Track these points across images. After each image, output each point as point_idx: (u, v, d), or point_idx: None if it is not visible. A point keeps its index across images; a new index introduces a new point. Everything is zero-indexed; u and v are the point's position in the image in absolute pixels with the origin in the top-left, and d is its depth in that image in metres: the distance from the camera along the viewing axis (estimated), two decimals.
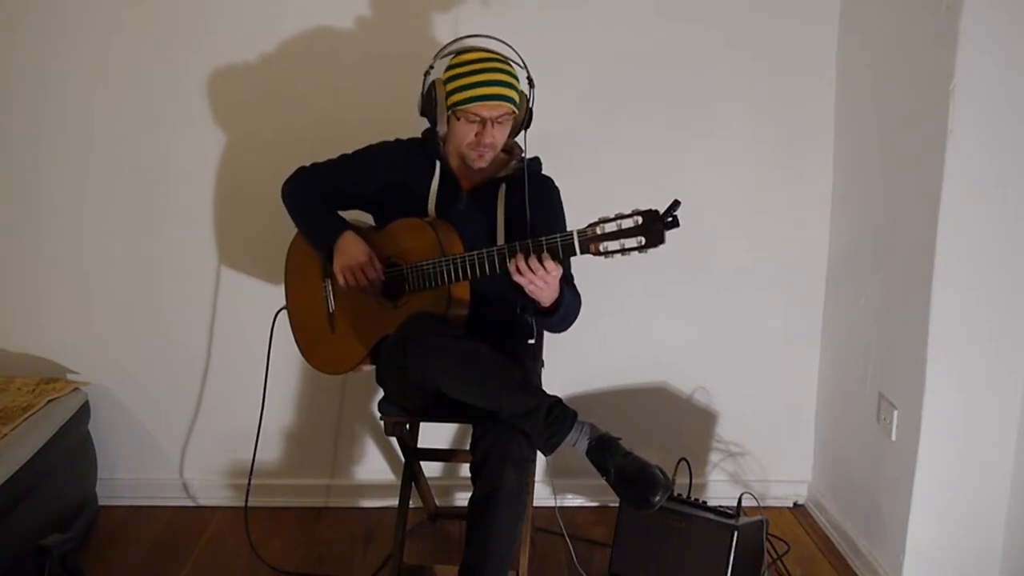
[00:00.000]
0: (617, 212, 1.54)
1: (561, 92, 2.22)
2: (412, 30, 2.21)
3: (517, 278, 1.62)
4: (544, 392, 1.71)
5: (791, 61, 2.27)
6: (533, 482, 1.94)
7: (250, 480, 2.17)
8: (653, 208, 1.52)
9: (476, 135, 1.77)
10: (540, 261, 1.60)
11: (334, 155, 1.96)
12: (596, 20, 2.23)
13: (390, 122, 2.01)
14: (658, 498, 1.57)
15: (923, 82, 1.84)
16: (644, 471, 1.59)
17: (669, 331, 2.40)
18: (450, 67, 1.78)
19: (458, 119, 1.77)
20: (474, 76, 1.74)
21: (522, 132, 1.87)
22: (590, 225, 1.56)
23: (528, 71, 1.82)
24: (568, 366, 2.34)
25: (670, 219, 1.52)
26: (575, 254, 1.59)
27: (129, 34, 2.20)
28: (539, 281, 1.61)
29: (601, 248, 1.55)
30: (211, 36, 2.21)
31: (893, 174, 2.00)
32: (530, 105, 1.84)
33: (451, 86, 1.76)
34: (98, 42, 2.20)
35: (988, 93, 1.72)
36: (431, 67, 1.81)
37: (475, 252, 1.69)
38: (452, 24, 2.19)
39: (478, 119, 1.76)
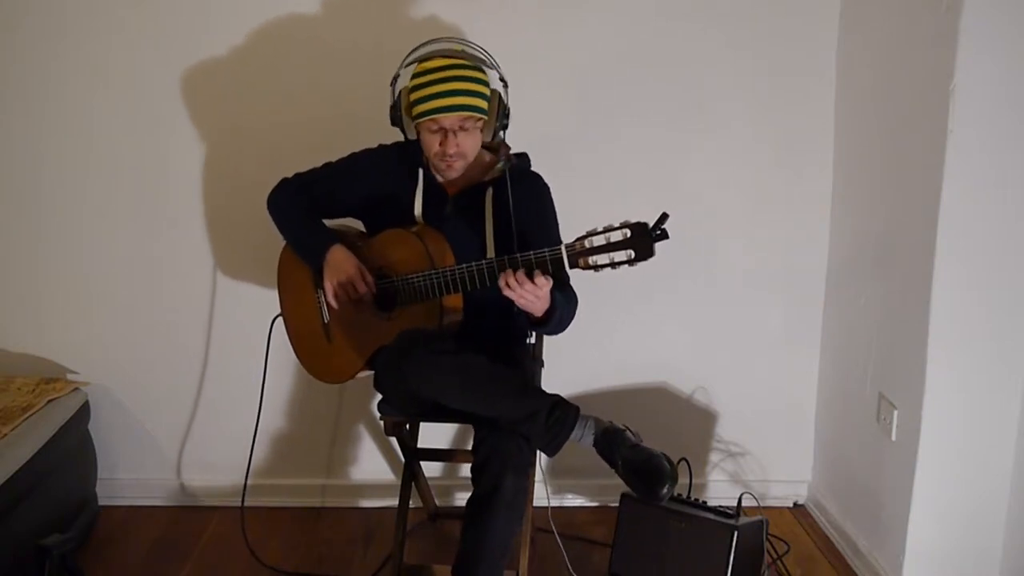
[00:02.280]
0: (606, 225, 1.52)
1: (561, 92, 2.22)
2: (414, 31, 2.20)
3: (508, 294, 1.60)
4: (544, 394, 1.71)
5: (791, 61, 2.27)
6: (533, 480, 1.94)
7: (246, 481, 2.17)
8: (642, 221, 1.50)
9: (440, 144, 1.75)
10: (529, 276, 1.57)
11: (333, 157, 1.96)
12: (596, 20, 2.23)
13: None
14: (665, 490, 1.59)
15: (923, 82, 1.84)
16: (650, 462, 1.60)
17: (669, 331, 2.40)
18: (414, 76, 1.76)
19: (422, 128, 1.76)
20: (432, 87, 1.71)
21: (502, 132, 1.84)
22: (578, 239, 1.54)
23: (499, 71, 1.80)
24: (568, 366, 2.34)
25: (659, 232, 1.49)
26: (564, 269, 1.56)
27: (129, 34, 2.20)
28: (528, 296, 1.59)
29: (590, 262, 1.53)
30: (211, 37, 2.21)
31: (893, 174, 2.00)
32: (506, 103, 1.81)
33: (413, 96, 1.74)
34: (98, 42, 2.20)
35: (988, 93, 1.72)
36: (397, 76, 1.80)
37: (463, 266, 1.67)
38: (452, 23, 2.19)
39: (439, 129, 1.74)
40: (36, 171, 2.27)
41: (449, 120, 1.72)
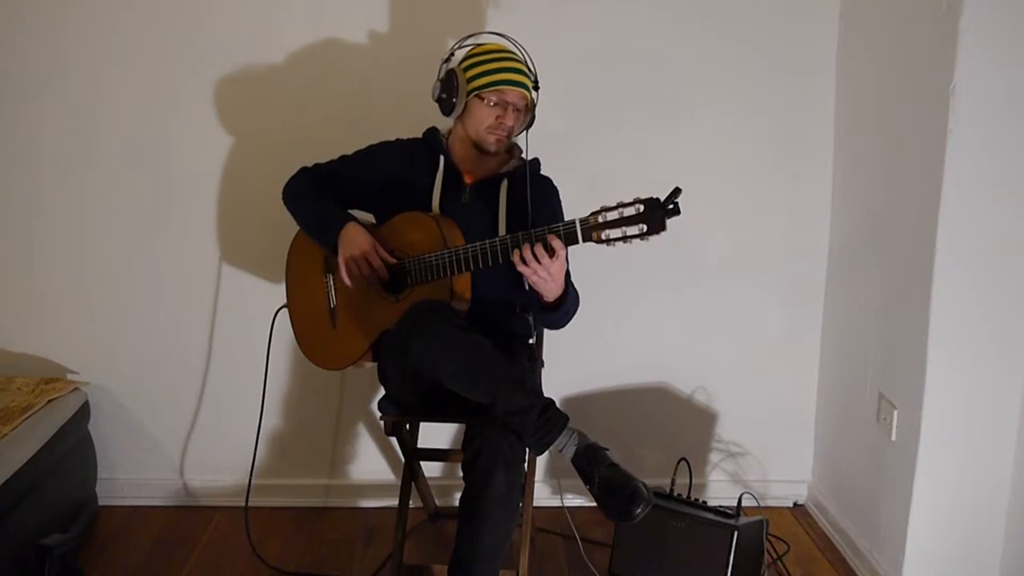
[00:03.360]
0: (618, 200, 1.57)
1: (561, 92, 2.22)
2: (413, 31, 2.21)
3: (523, 269, 1.63)
4: (539, 393, 1.72)
5: (791, 61, 2.27)
6: (533, 480, 1.94)
7: (251, 480, 2.17)
8: (654, 196, 1.55)
9: (497, 118, 1.81)
10: (546, 248, 1.61)
11: (335, 155, 1.97)
12: (596, 20, 2.23)
13: (391, 123, 2.02)
14: (639, 511, 1.57)
15: (923, 82, 1.84)
16: (627, 484, 1.59)
17: (669, 331, 2.40)
18: (471, 55, 1.83)
19: (481, 99, 1.81)
20: (498, 62, 1.80)
21: (524, 132, 1.90)
22: (592, 213, 1.59)
23: (536, 74, 1.85)
24: (568, 366, 2.35)
25: (671, 206, 1.54)
26: (577, 242, 1.61)
27: (129, 34, 2.20)
28: (543, 272, 1.63)
29: (603, 236, 1.57)
30: (212, 36, 2.21)
31: (893, 174, 2.00)
32: (535, 104, 1.87)
33: (474, 71, 1.80)
34: (98, 41, 2.20)
35: (988, 93, 1.72)
36: (451, 55, 1.85)
37: (478, 243, 1.70)
38: (454, 25, 2.19)
39: (500, 102, 1.81)
40: (36, 171, 2.27)
41: (512, 95, 1.81)
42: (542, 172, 1.99)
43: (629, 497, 1.57)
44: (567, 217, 1.94)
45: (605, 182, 2.28)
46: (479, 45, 1.85)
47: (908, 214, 1.92)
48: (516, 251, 1.64)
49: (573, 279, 1.89)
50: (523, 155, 1.94)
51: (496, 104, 1.81)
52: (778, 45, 2.26)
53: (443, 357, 1.65)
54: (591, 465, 1.63)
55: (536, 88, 1.86)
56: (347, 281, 1.83)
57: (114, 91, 2.23)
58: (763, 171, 2.32)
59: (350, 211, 1.96)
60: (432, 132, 1.94)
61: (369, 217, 2.00)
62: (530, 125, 1.90)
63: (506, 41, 1.86)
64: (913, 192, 1.89)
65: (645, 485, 1.60)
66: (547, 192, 1.97)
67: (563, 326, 1.86)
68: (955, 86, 1.72)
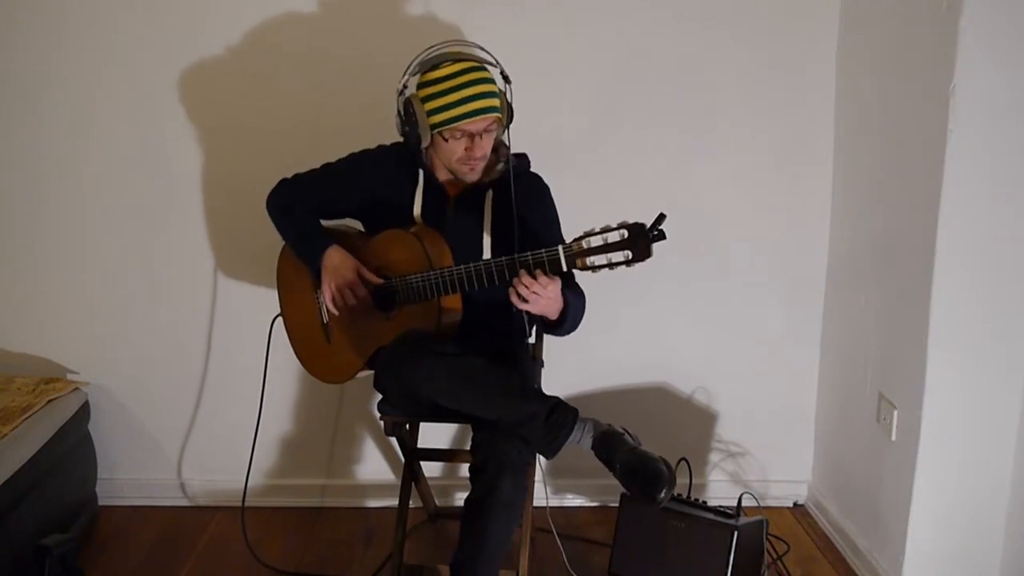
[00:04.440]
0: (604, 225, 1.52)
1: (562, 92, 2.23)
2: (414, 32, 2.20)
3: (520, 305, 1.60)
4: (543, 395, 1.70)
5: (791, 61, 2.27)
6: (533, 481, 1.94)
7: (247, 481, 2.17)
8: (639, 221, 1.50)
9: (466, 150, 1.74)
10: (533, 278, 1.57)
11: (333, 158, 1.96)
12: (595, 20, 2.23)
13: (391, 124, 2.01)
14: (662, 494, 1.57)
15: (923, 82, 1.84)
16: (648, 466, 1.58)
17: (669, 331, 2.40)
18: (425, 84, 1.72)
19: (445, 139, 1.73)
20: (453, 93, 1.68)
21: (506, 130, 1.83)
22: (575, 240, 1.54)
23: (501, 67, 1.77)
24: (568, 366, 2.34)
25: (656, 232, 1.49)
26: (561, 270, 1.56)
27: (129, 34, 2.20)
28: (541, 300, 1.59)
29: (588, 263, 1.53)
30: (211, 39, 2.21)
31: (893, 174, 2.00)
32: (509, 101, 1.78)
33: (431, 105, 1.70)
34: (98, 42, 2.20)
35: (988, 93, 1.72)
36: (404, 85, 1.75)
37: (462, 267, 1.66)
38: (455, 23, 2.19)
39: (465, 135, 1.72)
40: (36, 171, 2.27)
41: (476, 125, 1.71)
42: (533, 169, 1.92)
43: (650, 481, 1.57)
44: (566, 217, 1.93)
45: (607, 183, 2.28)
46: (430, 69, 1.72)
47: (908, 214, 1.92)
48: (512, 290, 1.59)
49: (577, 279, 1.88)
50: (509, 152, 1.84)
51: (461, 137, 1.72)
52: (778, 45, 2.26)
53: (438, 392, 1.65)
54: (610, 452, 1.63)
55: (507, 81, 1.75)
56: (333, 311, 1.82)
57: (114, 91, 2.23)
58: (763, 171, 2.32)
59: (338, 218, 1.94)
60: (413, 143, 1.79)
61: (358, 224, 2.00)
62: (510, 122, 1.80)
63: (457, 48, 1.75)
64: (913, 192, 1.89)
65: (666, 463, 1.59)
66: (536, 192, 1.90)
67: (574, 331, 1.80)
68: (955, 86, 1.72)
